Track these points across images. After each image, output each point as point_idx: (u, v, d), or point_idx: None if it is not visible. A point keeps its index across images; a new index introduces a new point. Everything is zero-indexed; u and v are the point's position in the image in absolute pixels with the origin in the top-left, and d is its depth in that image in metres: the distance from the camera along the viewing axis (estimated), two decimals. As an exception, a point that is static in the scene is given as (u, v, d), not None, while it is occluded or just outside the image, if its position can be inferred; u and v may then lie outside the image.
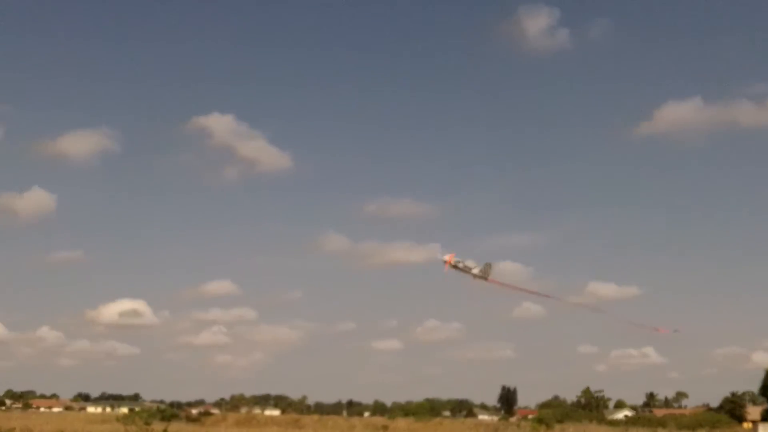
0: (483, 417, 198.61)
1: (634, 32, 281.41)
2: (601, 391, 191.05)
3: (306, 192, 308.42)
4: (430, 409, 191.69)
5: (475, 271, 41.26)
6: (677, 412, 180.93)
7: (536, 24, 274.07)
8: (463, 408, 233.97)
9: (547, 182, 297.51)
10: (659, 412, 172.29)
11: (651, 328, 44.38)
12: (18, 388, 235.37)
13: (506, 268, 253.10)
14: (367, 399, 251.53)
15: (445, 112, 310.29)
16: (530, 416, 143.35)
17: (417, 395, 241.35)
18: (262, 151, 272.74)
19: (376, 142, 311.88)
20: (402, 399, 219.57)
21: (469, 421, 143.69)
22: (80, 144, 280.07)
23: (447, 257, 39.93)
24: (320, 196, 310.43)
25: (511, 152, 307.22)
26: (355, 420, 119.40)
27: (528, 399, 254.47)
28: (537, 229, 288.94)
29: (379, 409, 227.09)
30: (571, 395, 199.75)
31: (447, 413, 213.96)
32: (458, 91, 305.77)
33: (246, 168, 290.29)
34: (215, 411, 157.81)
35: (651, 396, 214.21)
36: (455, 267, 39.68)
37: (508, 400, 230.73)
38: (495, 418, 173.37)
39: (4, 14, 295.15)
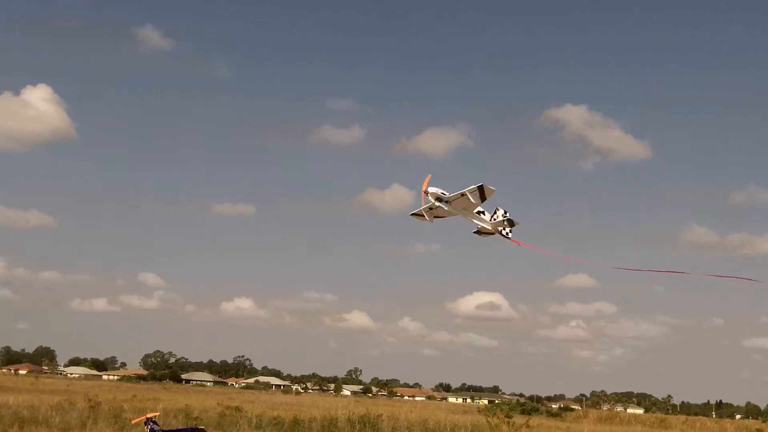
0: None
1: None
2: None
3: (665, 182, 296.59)
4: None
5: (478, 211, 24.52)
6: None
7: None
8: None
9: None
10: None
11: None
12: (383, 376, 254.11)
13: None
14: (739, 400, 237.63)
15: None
16: None
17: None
18: (617, 141, 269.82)
19: (741, 127, 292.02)
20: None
21: None
22: (436, 141, 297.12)
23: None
24: (680, 185, 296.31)
25: None
26: (726, 422, 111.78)
27: None
28: None
29: (752, 411, 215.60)
30: None
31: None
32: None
33: (601, 158, 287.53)
34: (575, 407, 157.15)
35: None
36: (440, 201, 24.04)
37: None
38: None
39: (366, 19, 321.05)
